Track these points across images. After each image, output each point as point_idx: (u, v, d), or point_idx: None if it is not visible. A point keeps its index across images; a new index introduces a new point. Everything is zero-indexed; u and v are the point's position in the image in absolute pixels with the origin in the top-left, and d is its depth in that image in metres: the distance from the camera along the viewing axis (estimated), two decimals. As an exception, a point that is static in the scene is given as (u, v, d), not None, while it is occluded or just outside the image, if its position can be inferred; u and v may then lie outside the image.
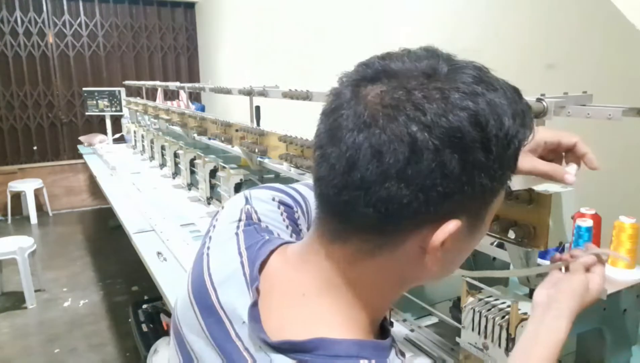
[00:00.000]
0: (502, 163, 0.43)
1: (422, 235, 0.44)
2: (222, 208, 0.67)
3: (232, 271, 0.54)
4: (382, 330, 0.54)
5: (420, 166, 0.40)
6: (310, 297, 0.49)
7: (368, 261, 0.47)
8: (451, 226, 0.43)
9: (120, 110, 5.19)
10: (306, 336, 0.45)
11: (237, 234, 0.59)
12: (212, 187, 2.50)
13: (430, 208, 0.42)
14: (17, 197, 5.75)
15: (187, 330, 0.57)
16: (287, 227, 0.63)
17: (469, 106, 0.41)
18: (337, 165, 0.43)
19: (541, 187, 0.89)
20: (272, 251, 0.54)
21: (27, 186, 5.58)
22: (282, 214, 0.64)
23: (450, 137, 0.40)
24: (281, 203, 0.66)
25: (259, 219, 0.62)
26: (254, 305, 0.50)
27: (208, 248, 0.60)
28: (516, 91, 0.46)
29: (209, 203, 2.53)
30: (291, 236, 0.63)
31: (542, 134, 0.72)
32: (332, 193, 0.44)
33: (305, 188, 0.71)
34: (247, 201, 0.65)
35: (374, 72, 0.44)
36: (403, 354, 0.51)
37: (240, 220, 0.61)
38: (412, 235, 0.44)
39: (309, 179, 2.04)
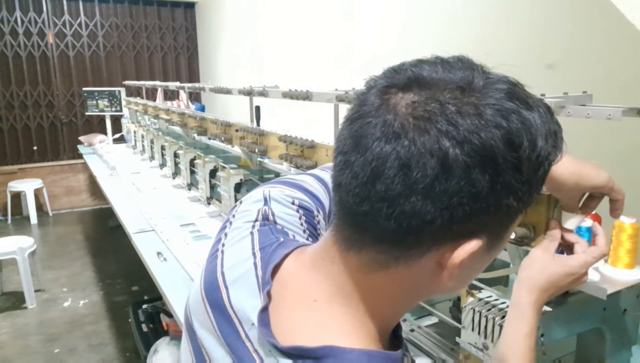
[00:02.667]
0: (530, 184, 0.42)
1: (441, 251, 0.43)
2: (240, 202, 0.67)
3: (245, 271, 0.54)
4: (396, 339, 0.54)
5: (448, 183, 0.39)
6: (322, 303, 0.48)
7: (382, 272, 0.46)
8: (472, 245, 0.42)
9: (120, 110, 5.19)
10: (316, 343, 0.45)
11: (252, 233, 0.59)
12: (212, 187, 2.50)
13: (453, 226, 0.41)
14: (17, 197, 5.75)
15: (199, 325, 0.56)
16: (304, 231, 0.63)
17: (503, 125, 0.39)
18: (361, 174, 0.41)
19: (541, 187, 0.89)
20: (286, 255, 0.54)
21: (27, 186, 5.58)
22: (300, 218, 0.64)
23: (482, 155, 0.39)
24: (301, 206, 0.65)
25: (275, 222, 0.61)
26: (264, 309, 0.49)
27: (223, 244, 0.60)
28: (549, 110, 0.45)
29: (209, 203, 2.53)
30: (307, 239, 0.62)
31: (593, 176, 0.71)
32: (352, 202, 0.43)
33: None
34: (265, 201, 0.64)
35: (405, 79, 0.43)
36: (414, 361, 0.51)
37: (256, 220, 0.61)
38: (431, 251, 0.43)
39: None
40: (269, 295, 0.50)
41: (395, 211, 0.41)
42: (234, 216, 0.64)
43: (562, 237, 0.75)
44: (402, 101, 0.41)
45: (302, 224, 0.63)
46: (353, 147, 0.43)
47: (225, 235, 0.62)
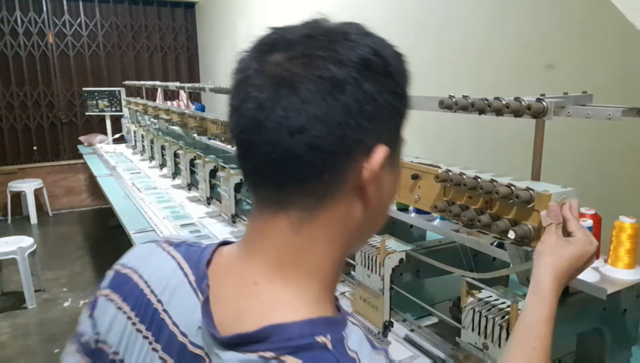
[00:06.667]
0: (401, 83, 0.49)
1: (357, 172, 0.46)
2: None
3: (176, 284, 0.53)
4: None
5: (343, 97, 0.44)
6: (262, 284, 0.48)
7: (314, 222, 0.47)
8: (382, 150, 0.46)
9: (120, 110, 5.19)
10: (258, 325, 0.45)
11: (169, 253, 0.58)
12: (212, 187, 2.50)
13: (360, 137, 0.45)
14: (17, 197, 5.75)
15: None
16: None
17: (368, 43, 0.47)
18: (266, 123, 0.44)
19: (541, 187, 0.89)
20: (214, 251, 0.54)
21: (27, 186, 5.58)
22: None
23: (363, 67, 0.45)
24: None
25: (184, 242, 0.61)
26: (206, 301, 0.49)
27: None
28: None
29: (209, 203, 2.53)
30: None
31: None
32: (263, 157, 0.45)
33: None
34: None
35: (272, 41, 0.48)
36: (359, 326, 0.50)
37: (166, 242, 0.60)
38: (349, 173, 0.46)
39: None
40: (208, 287, 0.50)
41: (305, 140, 0.44)
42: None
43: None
44: (278, 57, 0.46)
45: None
46: (247, 108, 0.46)
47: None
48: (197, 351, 0.49)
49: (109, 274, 0.60)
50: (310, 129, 0.43)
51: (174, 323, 0.51)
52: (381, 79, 0.46)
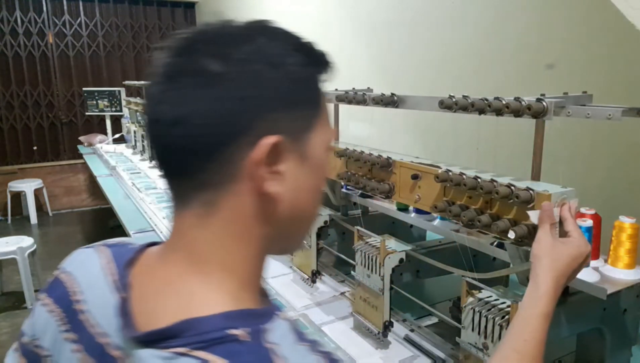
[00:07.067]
0: (294, 74, 0.48)
1: (246, 163, 0.46)
2: None
3: (97, 284, 0.54)
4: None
5: (218, 90, 0.45)
6: (178, 281, 0.49)
7: (217, 217, 0.48)
8: (267, 141, 0.46)
9: (120, 110, 5.19)
10: (172, 322, 0.45)
11: (96, 249, 0.59)
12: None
13: (241, 128, 0.45)
14: (17, 197, 5.75)
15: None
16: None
17: (256, 38, 0.48)
18: (162, 122, 0.47)
19: (541, 187, 0.89)
20: (141, 250, 0.55)
21: (27, 186, 5.58)
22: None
23: (244, 61, 0.46)
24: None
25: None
26: (124, 300, 0.50)
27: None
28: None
29: (209, 203, 2.53)
30: None
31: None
32: (157, 151, 0.49)
33: None
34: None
35: (171, 41, 0.49)
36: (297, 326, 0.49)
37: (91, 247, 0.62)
38: (238, 165, 0.46)
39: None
40: (128, 286, 0.51)
41: (186, 131, 0.45)
42: None
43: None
44: (167, 54, 0.48)
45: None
46: (149, 99, 0.50)
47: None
48: (116, 353, 0.49)
49: (49, 279, 0.61)
50: (188, 121, 0.45)
51: (95, 325, 0.52)
52: (266, 71, 0.46)
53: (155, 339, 0.45)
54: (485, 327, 0.97)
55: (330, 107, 1.84)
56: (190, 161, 0.47)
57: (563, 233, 0.81)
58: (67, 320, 0.54)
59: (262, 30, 0.50)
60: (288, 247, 0.57)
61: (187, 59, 0.47)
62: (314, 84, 0.51)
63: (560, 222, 0.82)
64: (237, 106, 0.45)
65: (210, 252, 0.49)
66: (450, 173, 1.05)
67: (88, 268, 0.57)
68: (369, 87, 1.75)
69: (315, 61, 0.51)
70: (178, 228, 0.50)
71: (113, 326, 0.50)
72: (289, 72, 0.48)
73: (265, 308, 0.49)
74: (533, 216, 0.85)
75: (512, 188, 0.92)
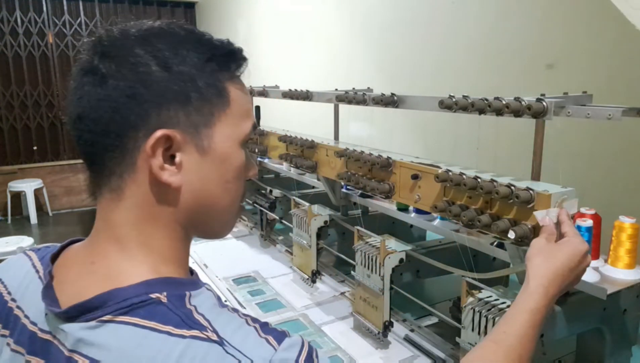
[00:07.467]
0: (185, 77, 0.51)
1: (142, 155, 0.50)
2: None
3: (29, 281, 0.58)
4: None
5: (109, 88, 0.49)
6: (100, 261, 0.52)
7: (125, 201, 0.52)
8: (158, 133, 0.50)
9: (120, 110, 5.18)
10: (95, 294, 0.48)
11: (26, 253, 0.62)
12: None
13: (134, 122, 0.50)
14: (17, 197, 5.75)
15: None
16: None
17: (145, 37, 0.52)
18: (69, 118, 0.53)
19: (541, 187, 0.89)
20: (66, 245, 0.59)
21: (27, 186, 5.58)
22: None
23: (126, 62, 0.50)
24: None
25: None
26: (47, 286, 0.53)
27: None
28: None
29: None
30: None
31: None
32: (77, 144, 0.53)
33: None
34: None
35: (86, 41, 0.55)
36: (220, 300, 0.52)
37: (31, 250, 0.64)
38: (134, 156, 0.51)
39: (309, 178, 2.04)
40: (51, 275, 0.54)
41: (85, 124, 0.51)
42: None
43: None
44: (82, 55, 0.53)
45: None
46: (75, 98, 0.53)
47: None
48: (45, 336, 0.52)
49: None
50: (86, 117, 0.50)
51: (26, 316, 0.55)
52: (156, 72, 0.50)
53: (79, 313, 0.47)
54: (485, 326, 0.97)
55: (331, 107, 1.83)
56: (94, 152, 0.52)
57: (560, 236, 0.80)
58: (2, 319, 0.57)
59: (160, 33, 0.53)
60: (211, 231, 0.60)
61: (88, 59, 0.52)
62: (215, 81, 0.54)
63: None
64: (127, 103, 0.49)
65: (126, 232, 0.52)
66: (450, 173, 1.05)
67: (17, 269, 0.60)
68: (368, 87, 1.75)
69: (218, 60, 0.54)
70: (98, 213, 0.54)
71: (41, 314, 0.53)
72: (180, 72, 0.51)
73: (189, 279, 0.53)
74: (539, 216, 0.84)
75: (512, 188, 0.92)
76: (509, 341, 0.69)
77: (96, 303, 0.47)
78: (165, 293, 0.47)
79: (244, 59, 0.57)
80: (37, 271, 0.58)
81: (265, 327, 0.49)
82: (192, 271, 0.57)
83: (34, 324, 0.53)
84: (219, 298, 0.52)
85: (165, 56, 0.51)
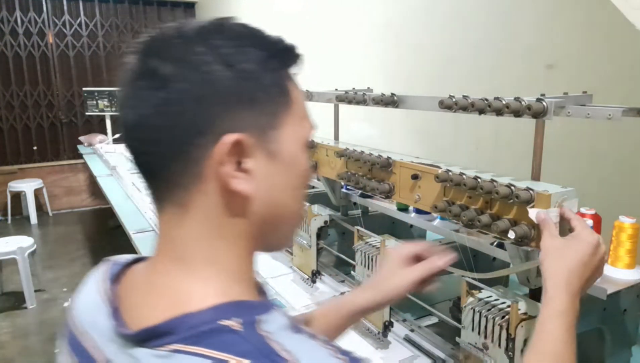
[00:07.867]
0: (249, 76, 0.47)
1: (210, 162, 0.46)
2: None
3: (95, 305, 0.53)
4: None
5: (169, 92, 0.45)
6: (166, 281, 0.49)
7: (191, 215, 0.48)
8: (228, 138, 0.46)
9: (121, 110, 5.18)
10: (163, 319, 0.44)
11: (90, 275, 0.59)
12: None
13: (201, 127, 0.46)
14: (17, 197, 5.74)
15: None
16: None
17: (207, 37, 0.48)
18: (126, 126, 0.48)
19: (541, 187, 0.89)
20: (131, 264, 0.56)
21: (27, 186, 5.58)
22: None
23: (188, 63, 0.46)
24: None
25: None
26: (115, 310, 0.50)
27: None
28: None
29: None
30: None
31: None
32: (133, 154, 0.49)
33: None
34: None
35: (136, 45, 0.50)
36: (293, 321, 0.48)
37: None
38: (201, 164, 0.46)
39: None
40: (115, 297, 0.51)
41: (144, 132, 0.47)
42: None
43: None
44: (130, 59, 0.49)
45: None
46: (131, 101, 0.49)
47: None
48: (110, 357, 0.48)
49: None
50: (146, 124, 0.46)
51: (94, 345, 0.51)
52: (219, 71, 0.46)
53: (147, 337, 0.44)
54: (485, 326, 0.97)
55: (331, 107, 1.84)
56: (155, 162, 0.48)
57: (568, 231, 0.81)
58: (75, 353, 0.54)
59: (217, 30, 0.49)
60: (275, 244, 0.56)
61: (143, 62, 0.47)
62: (278, 79, 0.51)
63: (563, 221, 0.82)
64: (191, 107, 0.45)
65: (193, 249, 0.49)
66: (450, 173, 1.05)
67: (85, 294, 0.57)
68: (368, 87, 1.75)
69: (278, 56, 0.51)
70: (161, 228, 0.51)
71: (107, 337, 0.49)
72: (245, 70, 0.47)
73: (259, 301, 0.49)
74: (532, 213, 0.86)
75: (512, 188, 0.92)
76: (550, 348, 0.68)
77: (165, 329, 0.44)
78: (236, 320, 0.44)
79: (301, 56, 0.54)
80: (100, 294, 0.54)
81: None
82: (261, 289, 0.53)
83: (99, 349, 0.50)
84: (292, 321, 0.47)
85: (227, 53, 0.47)
